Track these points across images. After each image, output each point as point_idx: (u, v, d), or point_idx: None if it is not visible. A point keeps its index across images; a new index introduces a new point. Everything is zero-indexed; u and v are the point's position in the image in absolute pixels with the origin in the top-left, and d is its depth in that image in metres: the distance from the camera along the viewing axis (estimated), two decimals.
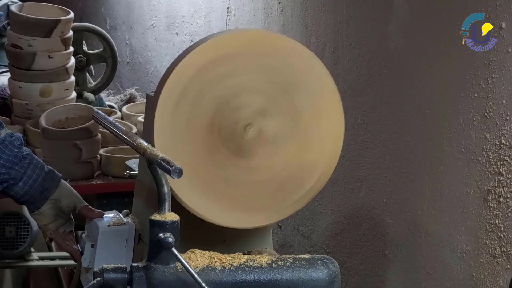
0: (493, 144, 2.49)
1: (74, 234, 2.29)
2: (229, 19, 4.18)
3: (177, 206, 1.92)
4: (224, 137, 2.04)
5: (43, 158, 2.61)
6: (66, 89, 3.81)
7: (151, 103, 2.07)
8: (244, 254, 1.88)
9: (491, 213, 2.51)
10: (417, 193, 2.83)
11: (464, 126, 2.60)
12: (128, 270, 1.76)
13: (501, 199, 2.48)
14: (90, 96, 4.23)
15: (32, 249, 3.54)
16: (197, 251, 1.81)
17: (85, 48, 4.39)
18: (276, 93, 2.07)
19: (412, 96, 2.85)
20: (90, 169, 3.51)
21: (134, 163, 2.48)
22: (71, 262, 4.31)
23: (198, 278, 1.72)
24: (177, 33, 4.85)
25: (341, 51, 3.24)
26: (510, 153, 2.45)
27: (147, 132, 2.06)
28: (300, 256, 1.86)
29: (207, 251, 1.82)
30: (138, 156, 2.23)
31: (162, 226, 1.74)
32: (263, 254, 1.89)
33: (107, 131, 2.33)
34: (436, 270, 2.75)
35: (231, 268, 1.79)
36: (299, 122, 2.09)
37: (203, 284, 1.72)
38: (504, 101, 2.45)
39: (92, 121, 3.31)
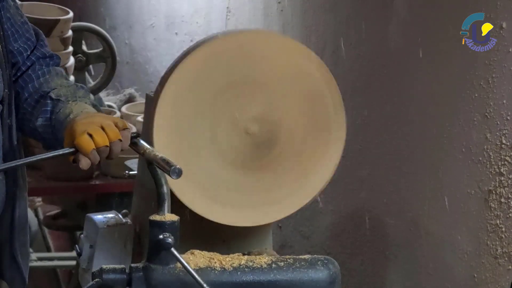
0: (494, 144, 2.49)
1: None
2: (228, 19, 4.17)
3: (177, 206, 1.91)
4: (224, 131, 2.04)
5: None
6: None
7: (151, 103, 2.07)
8: (244, 254, 1.88)
9: (492, 214, 2.51)
10: (418, 194, 2.82)
11: (465, 126, 2.59)
12: (127, 271, 1.75)
13: (502, 200, 2.47)
14: None
15: (31, 250, 3.53)
16: (197, 251, 1.81)
17: (84, 48, 4.38)
18: (281, 97, 2.07)
19: (412, 96, 2.85)
20: (89, 170, 3.50)
21: (133, 163, 2.47)
22: (70, 262, 4.32)
23: (198, 278, 1.72)
24: (176, 33, 4.85)
25: (341, 51, 3.23)
26: (511, 153, 2.44)
27: (147, 132, 2.06)
28: (300, 256, 1.86)
29: (206, 252, 1.81)
30: (138, 156, 2.23)
31: (162, 226, 1.74)
32: (263, 255, 1.89)
33: None
34: (437, 271, 2.75)
35: (231, 268, 1.79)
36: (299, 137, 2.09)
37: (204, 285, 1.71)
38: (504, 101, 2.45)
39: None
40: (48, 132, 2.10)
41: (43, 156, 1.90)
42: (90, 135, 1.89)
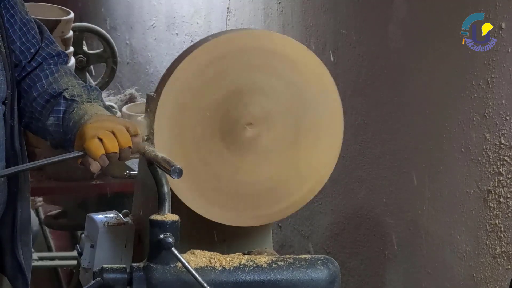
0: (493, 144, 2.49)
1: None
2: (229, 19, 4.17)
3: (177, 206, 1.92)
4: (224, 131, 2.04)
5: (43, 158, 2.60)
6: None
7: (151, 103, 2.07)
8: (244, 254, 1.88)
9: (491, 213, 2.51)
10: (417, 193, 2.83)
11: (464, 126, 2.60)
12: (127, 270, 1.76)
13: (501, 199, 2.48)
14: None
15: (32, 249, 3.53)
16: (197, 251, 1.81)
17: (85, 48, 4.39)
18: (279, 96, 2.08)
19: (412, 96, 2.85)
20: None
21: (134, 163, 2.48)
22: (71, 262, 4.33)
23: (199, 277, 1.72)
24: (177, 33, 4.85)
25: (341, 51, 3.24)
26: (510, 153, 2.45)
27: (148, 132, 2.06)
28: (300, 256, 1.86)
29: (207, 252, 1.82)
30: (138, 156, 2.23)
31: (162, 226, 1.74)
32: (263, 254, 1.89)
33: None
34: (436, 270, 2.75)
35: (231, 268, 1.79)
36: (298, 136, 2.10)
37: (205, 284, 1.72)
38: (503, 101, 2.45)
39: None
40: (59, 132, 2.08)
41: (52, 160, 1.89)
42: (101, 140, 1.87)
